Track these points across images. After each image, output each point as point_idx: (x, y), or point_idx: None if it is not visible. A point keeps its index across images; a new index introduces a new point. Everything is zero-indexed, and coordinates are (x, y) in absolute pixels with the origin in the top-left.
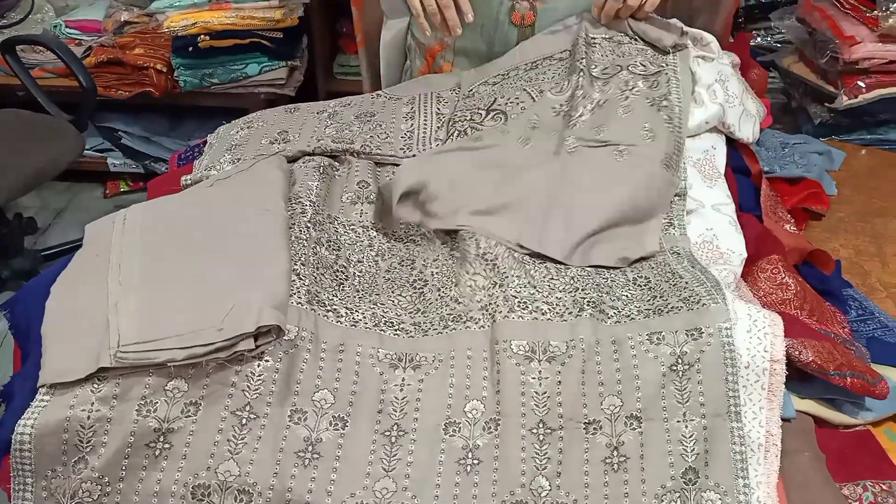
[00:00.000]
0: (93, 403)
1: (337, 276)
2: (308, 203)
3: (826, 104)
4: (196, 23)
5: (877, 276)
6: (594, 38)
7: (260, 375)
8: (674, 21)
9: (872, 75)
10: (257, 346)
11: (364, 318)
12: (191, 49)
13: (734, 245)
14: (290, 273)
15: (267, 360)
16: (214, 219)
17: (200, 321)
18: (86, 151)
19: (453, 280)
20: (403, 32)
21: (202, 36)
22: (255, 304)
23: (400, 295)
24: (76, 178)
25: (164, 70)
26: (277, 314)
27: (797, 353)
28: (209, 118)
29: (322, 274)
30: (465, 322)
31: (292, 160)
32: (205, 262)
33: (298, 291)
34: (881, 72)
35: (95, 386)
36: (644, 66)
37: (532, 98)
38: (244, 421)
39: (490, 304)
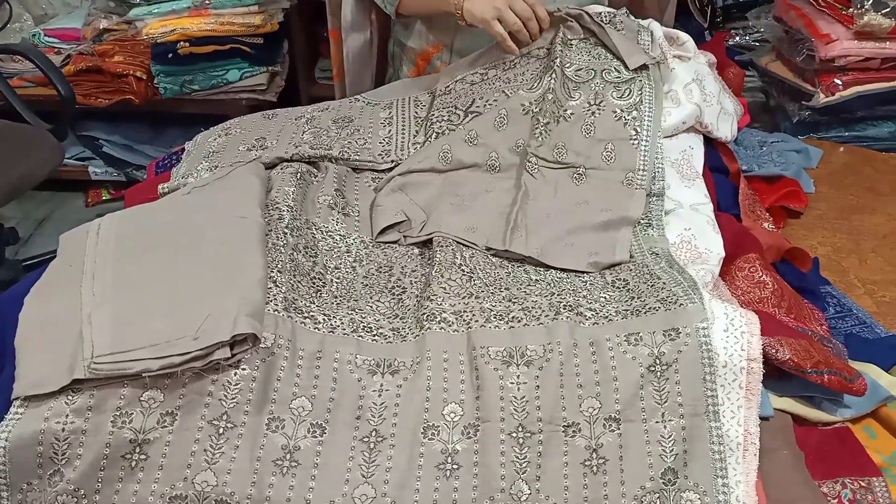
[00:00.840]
0: (67, 415)
1: (314, 283)
2: (286, 208)
3: (803, 102)
4: (175, 29)
5: (854, 272)
6: (571, 41)
7: (237, 384)
8: (651, 23)
9: (849, 73)
10: (233, 355)
11: (342, 323)
12: (170, 56)
13: (712, 245)
14: (266, 280)
15: (244, 369)
16: (190, 226)
17: (175, 330)
18: (67, 160)
19: (429, 285)
20: (367, 45)
21: (182, 42)
22: (230, 313)
23: (378, 301)
24: (58, 188)
25: (144, 77)
26: (253, 322)
27: (774, 351)
28: (191, 125)
29: (299, 281)
30: (438, 322)
31: (270, 166)
32: (180, 269)
33: (275, 298)
34: (857, 69)
35: (70, 398)
36: (618, 71)
37: (507, 97)
38: (221, 430)
39: (465, 311)
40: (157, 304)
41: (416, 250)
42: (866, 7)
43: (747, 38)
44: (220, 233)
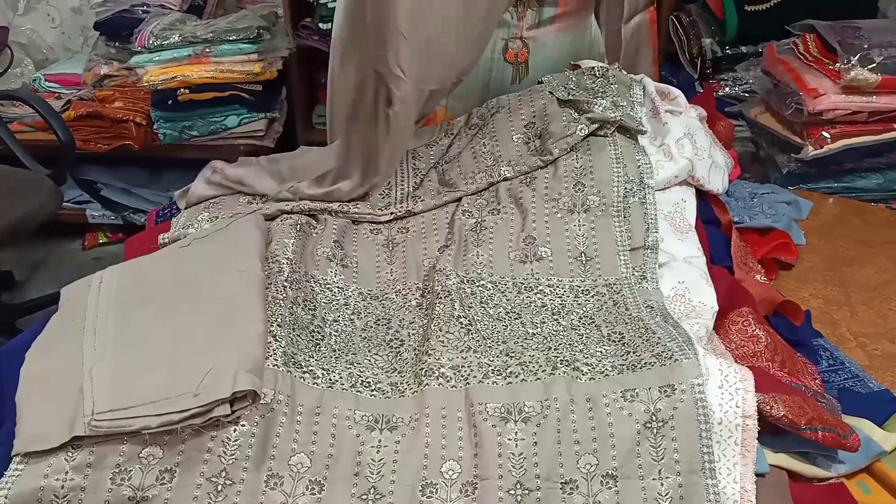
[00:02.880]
0: (67, 472)
1: (313, 336)
2: (285, 261)
3: (793, 154)
4: (176, 76)
5: (846, 325)
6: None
7: (236, 440)
8: (644, 78)
9: (837, 126)
10: (233, 412)
11: (341, 378)
12: (170, 102)
13: (706, 298)
14: (266, 335)
15: (243, 425)
16: (190, 280)
17: (175, 386)
18: (64, 204)
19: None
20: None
21: (182, 89)
22: (230, 369)
23: (377, 354)
24: (54, 231)
25: (144, 123)
26: (253, 379)
27: (769, 407)
28: (189, 169)
29: (299, 335)
30: (436, 377)
31: (270, 218)
32: (180, 324)
33: (275, 353)
34: (845, 122)
35: (70, 454)
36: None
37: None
38: (220, 487)
39: (463, 366)
40: (158, 359)
41: (415, 301)
42: (853, 62)
43: (737, 88)
44: (221, 287)
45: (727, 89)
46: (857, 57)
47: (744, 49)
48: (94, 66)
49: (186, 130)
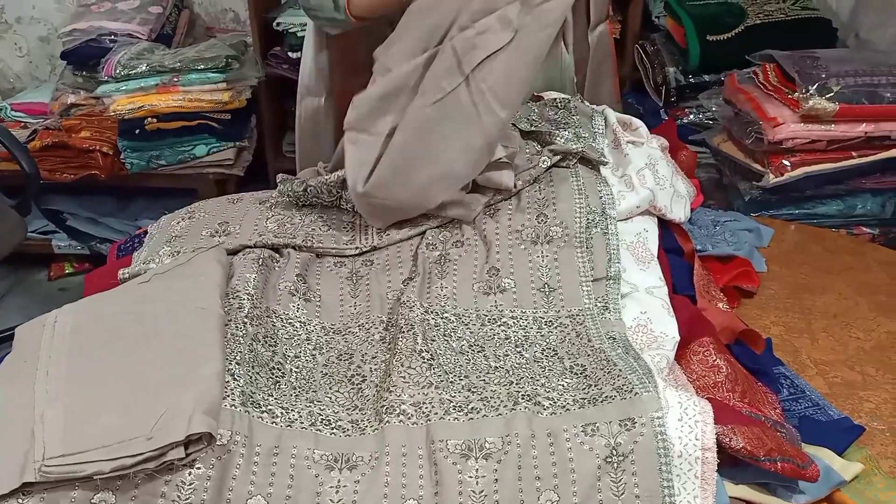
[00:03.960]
0: None
1: (273, 374)
2: (246, 297)
3: (754, 182)
4: (143, 106)
5: (807, 352)
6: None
7: (191, 484)
8: (606, 109)
9: (797, 154)
10: (188, 454)
11: (300, 416)
12: (137, 132)
13: (667, 328)
14: (223, 374)
15: (198, 468)
16: (148, 318)
17: (129, 430)
18: (29, 234)
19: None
20: (321, 113)
21: (149, 119)
22: (185, 411)
23: (338, 391)
24: (20, 261)
25: (111, 152)
26: (209, 420)
27: (728, 439)
28: (157, 198)
29: (258, 372)
30: (397, 414)
31: (232, 252)
32: (136, 364)
33: (232, 393)
34: (805, 150)
35: (20, 501)
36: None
37: None
38: None
39: (424, 402)
40: (111, 401)
41: (378, 336)
42: (811, 92)
43: (701, 116)
44: (179, 325)
45: (692, 117)
46: (814, 86)
47: (707, 78)
48: (61, 96)
49: (154, 160)
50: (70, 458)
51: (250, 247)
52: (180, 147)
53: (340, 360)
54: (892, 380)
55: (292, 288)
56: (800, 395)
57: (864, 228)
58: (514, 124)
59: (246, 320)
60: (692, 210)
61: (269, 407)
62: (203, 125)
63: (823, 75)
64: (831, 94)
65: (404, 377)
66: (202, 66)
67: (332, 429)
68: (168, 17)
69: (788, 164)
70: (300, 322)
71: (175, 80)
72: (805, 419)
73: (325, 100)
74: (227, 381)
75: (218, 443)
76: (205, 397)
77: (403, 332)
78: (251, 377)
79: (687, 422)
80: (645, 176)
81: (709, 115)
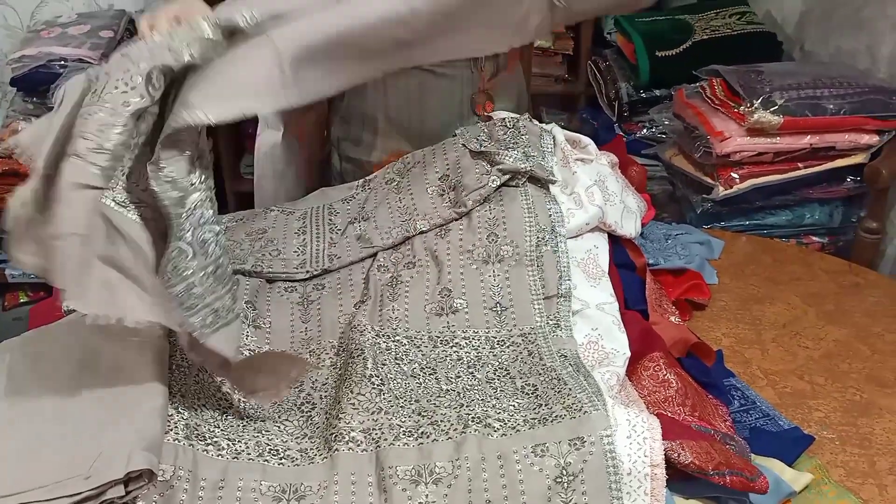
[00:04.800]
0: None
1: (220, 404)
2: None
3: (704, 195)
4: None
5: (757, 363)
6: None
7: None
8: (554, 127)
9: (744, 166)
10: (128, 492)
11: (247, 447)
12: None
13: (618, 345)
14: (165, 408)
15: None
16: (87, 352)
17: (67, 469)
18: None
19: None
20: (279, 150)
21: None
22: (124, 448)
23: (287, 420)
24: None
25: None
26: (149, 457)
27: (676, 455)
28: None
29: (203, 404)
30: (346, 442)
31: None
32: (74, 402)
33: (176, 426)
34: (752, 163)
35: None
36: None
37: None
38: None
39: (374, 428)
40: (49, 441)
41: (328, 361)
42: (756, 105)
43: (654, 130)
44: (118, 358)
45: (644, 131)
46: (759, 100)
47: (657, 92)
48: (12, 123)
49: None
50: (7, 501)
51: None
52: None
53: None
54: (841, 388)
55: (241, 316)
56: (750, 406)
57: (814, 237)
58: (464, 144)
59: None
60: (644, 224)
61: (215, 439)
62: None
63: (767, 89)
64: (776, 108)
65: (353, 403)
66: None
67: (281, 459)
68: (119, 41)
69: (737, 177)
70: (249, 350)
71: None
72: (756, 430)
73: (284, 135)
74: (171, 415)
75: (160, 479)
76: (145, 433)
77: (354, 357)
78: (196, 409)
79: (635, 439)
80: (593, 193)
81: (661, 129)
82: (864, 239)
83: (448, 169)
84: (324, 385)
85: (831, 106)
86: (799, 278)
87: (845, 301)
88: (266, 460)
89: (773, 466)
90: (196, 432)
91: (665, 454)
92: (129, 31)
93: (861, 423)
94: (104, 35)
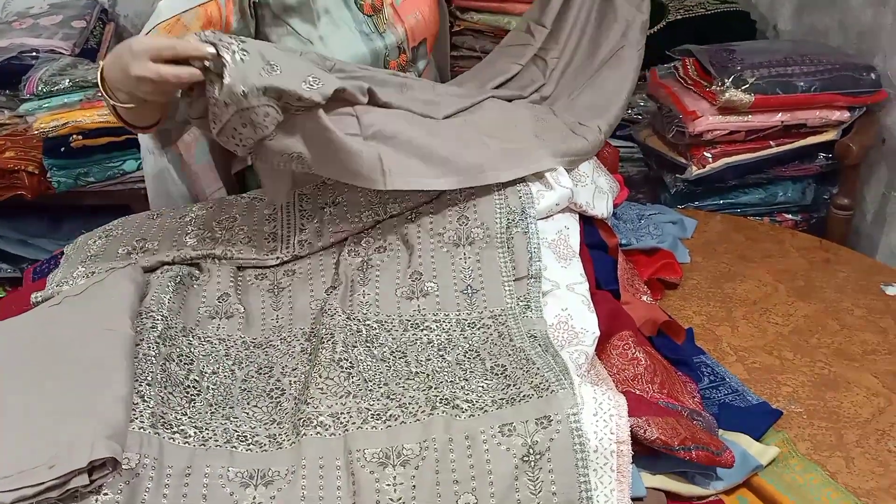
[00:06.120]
0: None
1: (188, 392)
2: (160, 318)
3: (678, 175)
4: (68, 122)
5: (727, 340)
6: None
7: None
8: None
9: (717, 146)
10: (93, 481)
11: (215, 434)
12: (63, 149)
13: (587, 324)
14: (130, 397)
15: (105, 494)
16: (55, 343)
17: (30, 459)
18: None
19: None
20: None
21: (74, 136)
22: (87, 437)
23: (255, 406)
24: None
25: (37, 172)
26: (112, 445)
27: (642, 431)
28: (90, 216)
29: (170, 392)
30: (314, 426)
31: (150, 269)
32: (40, 393)
33: (142, 415)
34: (725, 142)
35: None
36: None
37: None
38: None
39: (342, 413)
40: (13, 433)
41: (299, 347)
42: (727, 84)
43: (631, 112)
44: (84, 349)
45: None
46: (730, 79)
47: None
48: None
49: (82, 177)
50: None
51: (168, 263)
52: (109, 163)
53: (260, 374)
54: (809, 362)
55: (212, 311)
56: (720, 382)
57: (787, 215)
58: None
59: (158, 341)
60: (616, 205)
61: (182, 427)
62: (131, 139)
63: (739, 67)
64: (747, 86)
65: (322, 388)
66: None
67: (249, 445)
68: (92, 31)
69: (710, 156)
70: (219, 339)
71: (100, 94)
72: (725, 406)
73: (168, 158)
74: (136, 403)
75: (125, 467)
76: (109, 422)
77: (324, 342)
78: (163, 397)
79: (602, 416)
80: (561, 174)
81: (637, 110)
82: (836, 215)
83: None
84: (294, 371)
85: (802, 83)
86: (770, 255)
87: (815, 277)
88: (234, 447)
89: (740, 441)
90: (162, 420)
91: (631, 430)
92: (102, 20)
93: (829, 397)
94: (76, 25)
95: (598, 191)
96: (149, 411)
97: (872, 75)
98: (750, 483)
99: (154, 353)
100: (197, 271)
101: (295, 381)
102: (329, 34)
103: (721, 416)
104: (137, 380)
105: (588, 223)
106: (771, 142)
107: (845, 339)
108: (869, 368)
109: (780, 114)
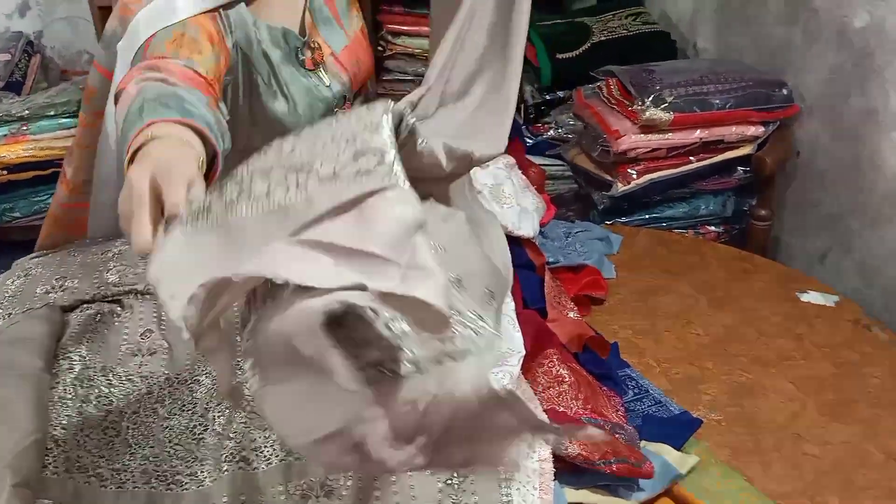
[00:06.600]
0: None
1: (106, 434)
2: (77, 359)
3: (604, 192)
4: None
5: (651, 353)
6: None
7: None
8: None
9: (641, 163)
10: None
11: (133, 476)
12: None
13: (513, 344)
14: (43, 442)
15: None
16: None
17: None
18: None
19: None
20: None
21: None
22: None
23: (178, 444)
24: None
25: None
26: (24, 492)
27: (564, 448)
28: (18, 251)
29: (87, 435)
30: (236, 461)
31: (69, 309)
32: None
33: (56, 460)
34: (648, 159)
35: None
36: None
37: None
38: None
39: (265, 446)
40: None
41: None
42: (647, 103)
43: (560, 130)
44: None
45: (551, 132)
46: (650, 98)
47: (560, 94)
48: None
49: (7, 213)
50: None
51: (88, 301)
52: (35, 197)
53: (184, 411)
54: (728, 371)
55: (134, 349)
56: (643, 394)
57: (710, 227)
58: None
59: (75, 382)
60: (544, 224)
61: (98, 470)
62: (58, 173)
63: (658, 87)
64: (666, 105)
65: (245, 422)
66: (53, 113)
67: (169, 484)
68: (17, 63)
69: (634, 173)
70: (141, 377)
71: (24, 128)
72: (648, 417)
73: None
74: (50, 448)
75: None
76: (17, 471)
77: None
78: (78, 441)
79: None
80: (486, 198)
81: (567, 129)
82: (756, 226)
83: None
84: (219, 406)
85: (717, 101)
86: (692, 268)
87: (734, 287)
88: (153, 487)
89: (661, 451)
90: (77, 465)
91: (553, 448)
92: (27, 52)
93: (746, 404)
94: (1, 59)
95: (522, 212)
96: (63, 456)
97: (784, 91)
98: (671, 491)
99: (70, 396)
100: (119, 308)
101: (219, 416)
102: (293, 87)
103: (644, 428)
104: (52, 423)
105: (515, 244)
106: (691, 157)
107: (762, 346)
108: (785, 374)
109: (698, 130)
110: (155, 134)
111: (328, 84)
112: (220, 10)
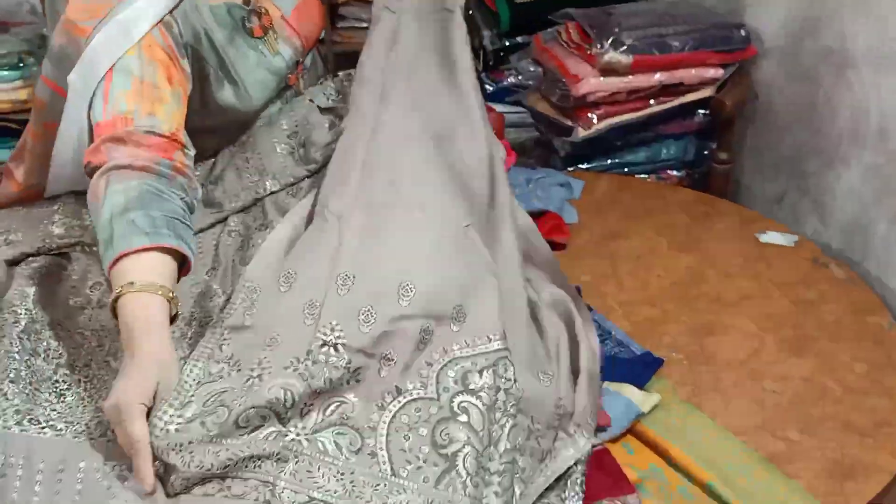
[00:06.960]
0: None
1: (56, 387)
2: (23, 311)
3: (565, 138)
4: None
5: (613, 296)
6: None
7: None
8: None
9: (601, 107)
10: None
11: (88, 429)
12: None
13: None
14: None
15: None
16: None
17: None
18: None
19: None
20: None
21: None
22: None
23: None
24: None
25: None
26: None
27: None
28: None
29: (37, 388)
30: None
31: (14, 262)
32: None
33: (5, 413)
34: (607, 103)
35: None
36: None
37: None
38: None
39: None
40: None
41: (179, 333)
42: (606, 46)
43: (520, 77)
44: None
45: (511, 79)
46: (609, 41)
47: (520, 40)
48: None
49: None
50: None
51: (33, 254)
52: None
53: None
54: (689, 311)
55: (83, 302)
56: (607, 336)
57: (671, 172)
58: (311, 100)
59: (22, 336)
60: (505, 170)
61: (52, 422)
62: (3, 128)
63: (616, 30)
64: (625, 48)
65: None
66: None
67: None
68: None
69: (594, 118)
70: (91, 330)
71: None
72: (611, 358)
73: None
74: None
75: None
76: None
77: (203, 325)
78: (28, 394)
79: None
80: None
81: (526, 76)
82: (716, 170)
83: (297, 126)
84: None
85: (676, 43)
86: (654, 211)
87: (695, 230)
88: (110, 439)
89: (623, 391)
90: (29, 417)
91: None
92: None
93: (707, 342)
94: None
95: None
96: (13, 409)
97: (742, 32)
98: (634, 430)
99: (17, 350)
100: (66, 261)
101: None
102: (241, 68)
103: (607, 368)
104: None
105: None
106: (651, 101)
107: (723, 286)
108: (745, 313)
109: (657, 73)
110: (129, 281)
111: (279, 51)
112: (172, 13)
